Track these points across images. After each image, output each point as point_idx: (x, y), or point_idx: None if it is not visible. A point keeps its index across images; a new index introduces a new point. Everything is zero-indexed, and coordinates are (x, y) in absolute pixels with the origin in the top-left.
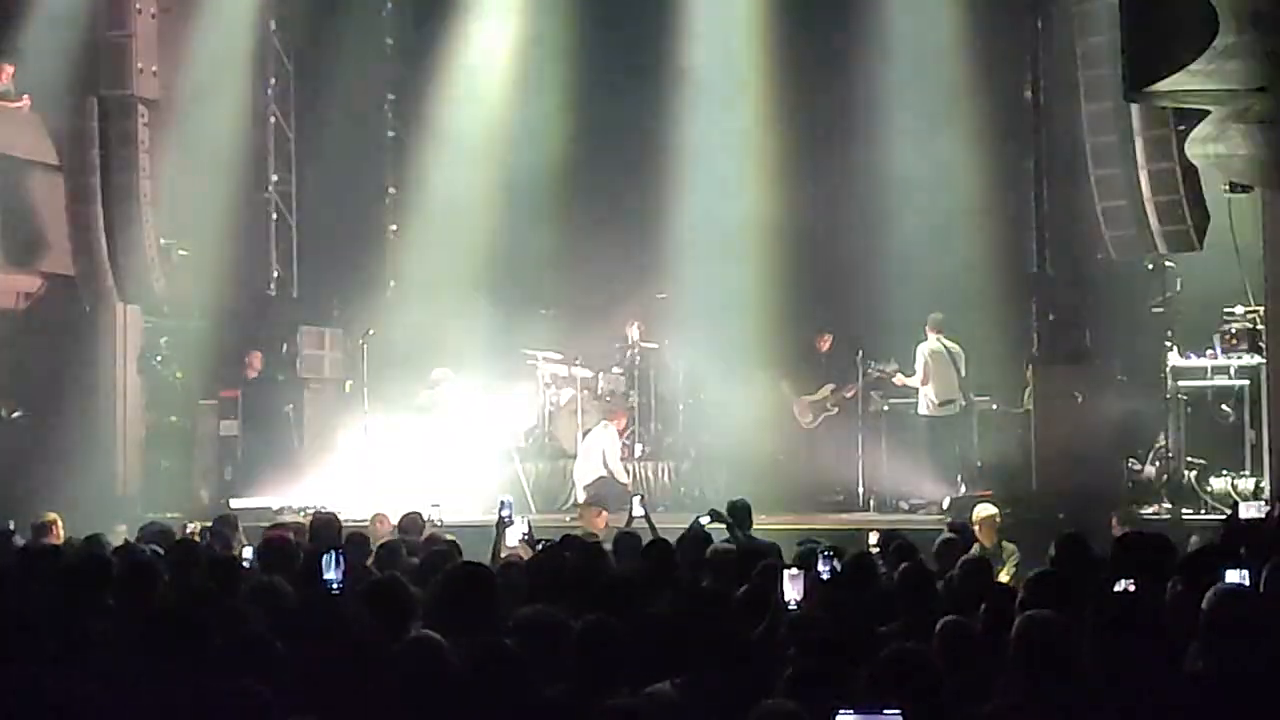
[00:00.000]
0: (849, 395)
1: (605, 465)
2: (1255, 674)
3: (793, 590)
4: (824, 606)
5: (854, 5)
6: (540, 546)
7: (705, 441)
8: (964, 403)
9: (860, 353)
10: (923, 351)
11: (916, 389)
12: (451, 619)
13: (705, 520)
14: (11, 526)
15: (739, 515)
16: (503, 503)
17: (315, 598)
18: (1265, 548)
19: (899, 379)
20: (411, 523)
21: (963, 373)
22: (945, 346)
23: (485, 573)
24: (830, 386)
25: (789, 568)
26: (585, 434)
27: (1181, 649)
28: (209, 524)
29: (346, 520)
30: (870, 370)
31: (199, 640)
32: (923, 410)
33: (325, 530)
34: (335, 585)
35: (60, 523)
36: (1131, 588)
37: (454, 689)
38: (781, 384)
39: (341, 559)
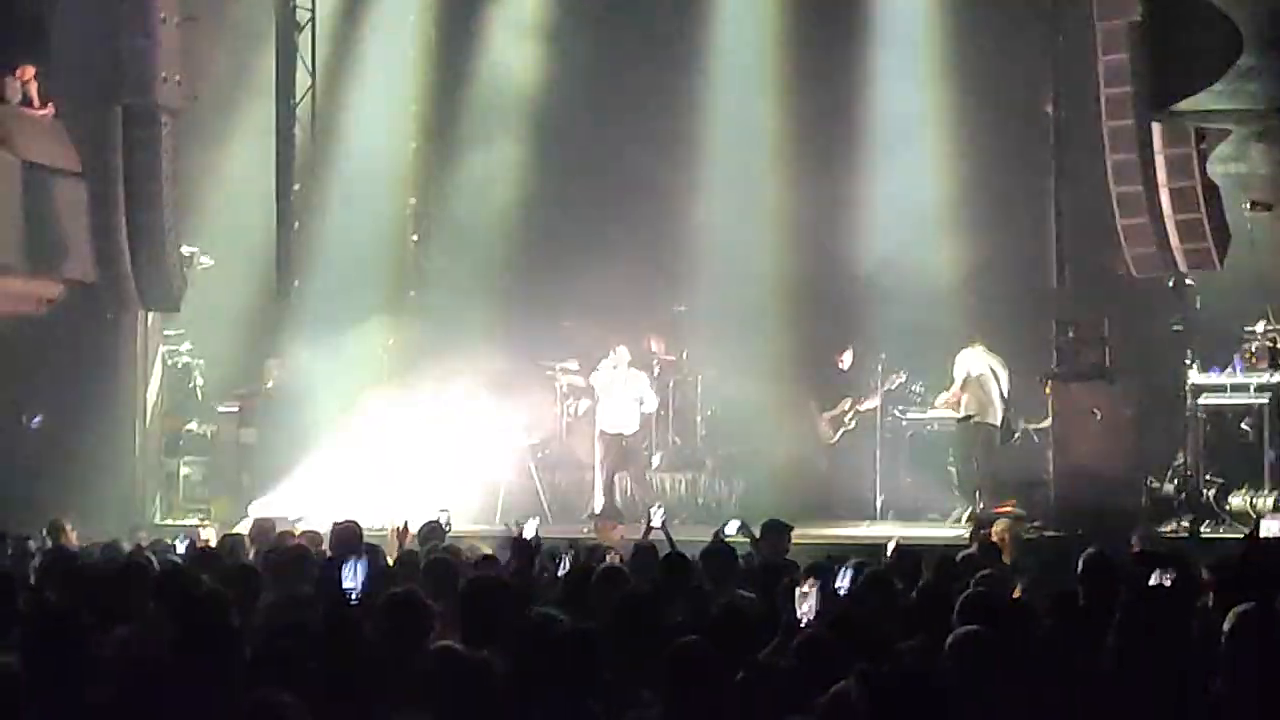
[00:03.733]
0: (864, 409)
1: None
2: (1276, 696)
3: (805, 607)
4: (838, 623)
5: (873, 21)
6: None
7: (723, 453)
8: (1004, 417)
9: (880, 367)
10: (962, 363)
11: (952, 404)
12: (473, 630)
13: (731, 530)
14: (29, 540)
15: (772, 533)
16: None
17: (333, 607)
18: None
19: (940, 399)
20: (432, 532)
21: (1004, 387)
22: (987, 361)
23: (506, 585)
24: (848, 400)
25: (801, 584)
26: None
27: (1206, 669)
28: (231, 532)
29: (366, 529)
30: (891, 384)
31: (220, 650)
32: (962, 419)
33: (346, 539)
34: (355, 595)
35: (69, 526)
36: (1167, 581)
37: (477, 700)
38: (809, 401)
39: (362, 568)
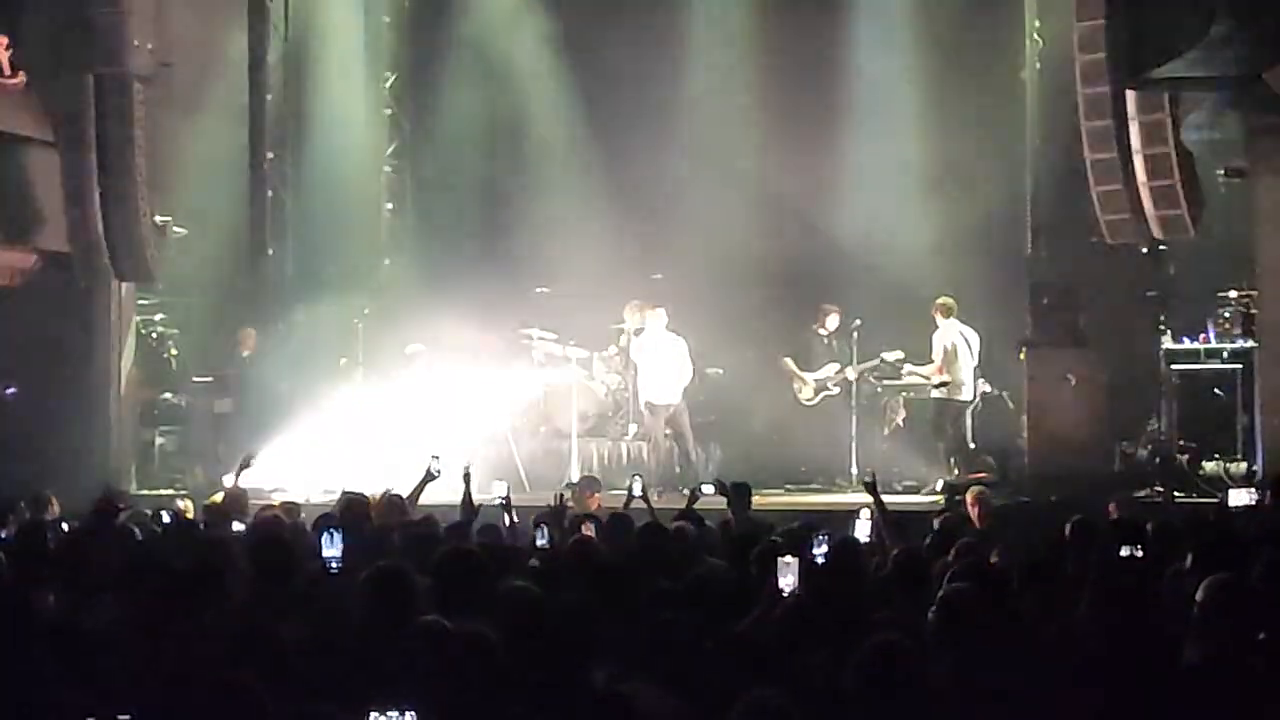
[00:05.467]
0: (854, 378)
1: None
2: (1248, 666)
3: (787, 577)
4: (816, 592)
5: None
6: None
7: (699, 421)
8: (977, 389)
9: (855, 334)
10: (940, 339)
11: (928, 377)
12: (448, 603)
13: (709, 490)
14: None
15: (738, 495)
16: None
17: (314, 577)
18: (1256, 536)
19: (907, 368)
20: (392, 505)
21: (976, 358)
22: (962, 333)
23: (478, 556)
24: (835, 366)
25: (783, 554)
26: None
27: (1179, 638)
28: (207, 503)
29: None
30: (879, 362)
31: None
32: (936, 394)
33: (356, 510)
34: (334, 564)
35: (55, 500)
36: (1139, 554)
37: (459, 674)
38: (784, 360)
39: (340, 537)
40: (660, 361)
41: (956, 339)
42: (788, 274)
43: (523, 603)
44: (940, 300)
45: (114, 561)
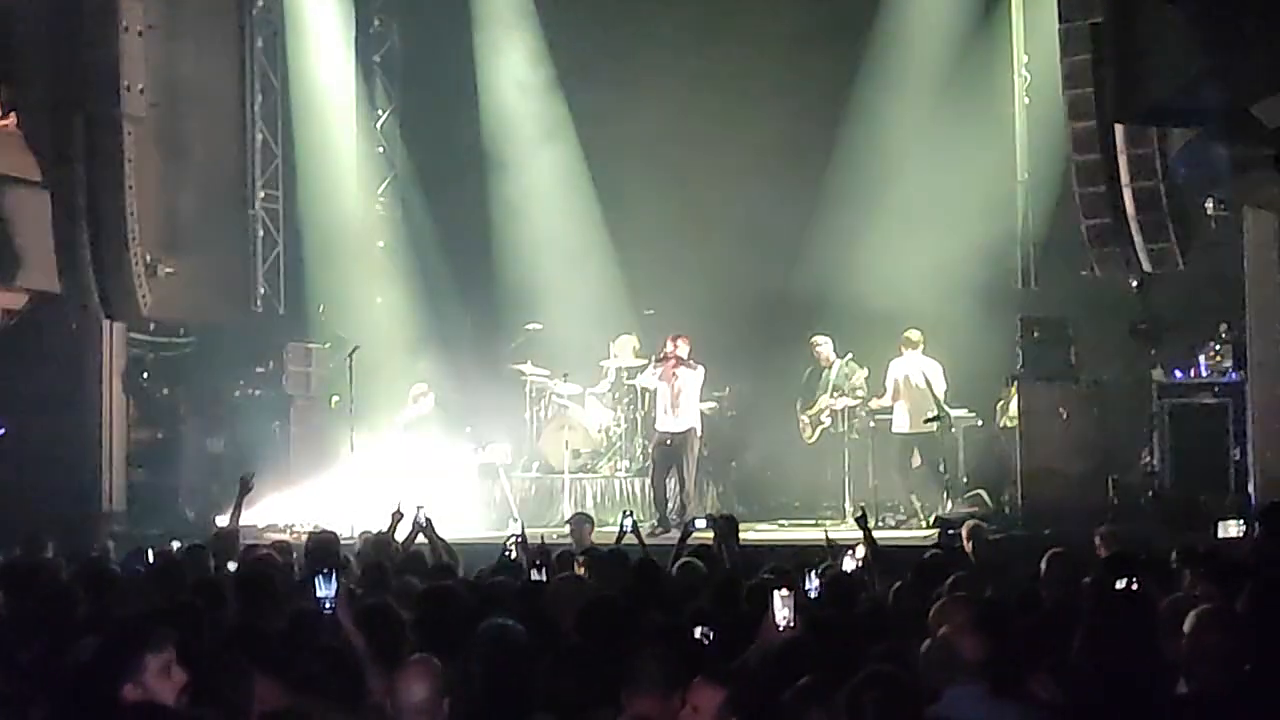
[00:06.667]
0: (839, 407)
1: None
2: (1237, 697)
3: (782, 612)
4: (811, 628)
5: (837, 21)
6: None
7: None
8: (942, 419)
9: (848, 367)
10: (893, 371)
11: (890, 407)
12: (432, 640)
13: (700, 524)
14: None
15: (726, 530)
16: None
17: (305, 618)
18: (1245, 567)
19: (874, 403)
20: (380, 544)
21: (939, 389)
22: (919, 364)
23: (458, 594)
24: (826, 398)
25: (778, 588)
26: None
27: (1174, 670)
28: (195, 542)
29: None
30: (844, 387)
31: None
32: (897, 428)
33: (323, 550)
34: (329, 604)
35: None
36: (1135, 586)
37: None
38: (794, 402)
39: (335, 577)
40: (666, 392)
41: (910, 372)
42: (780, 308)
43: (508, 641)
44: (904, 333)
45: (97, 602)
